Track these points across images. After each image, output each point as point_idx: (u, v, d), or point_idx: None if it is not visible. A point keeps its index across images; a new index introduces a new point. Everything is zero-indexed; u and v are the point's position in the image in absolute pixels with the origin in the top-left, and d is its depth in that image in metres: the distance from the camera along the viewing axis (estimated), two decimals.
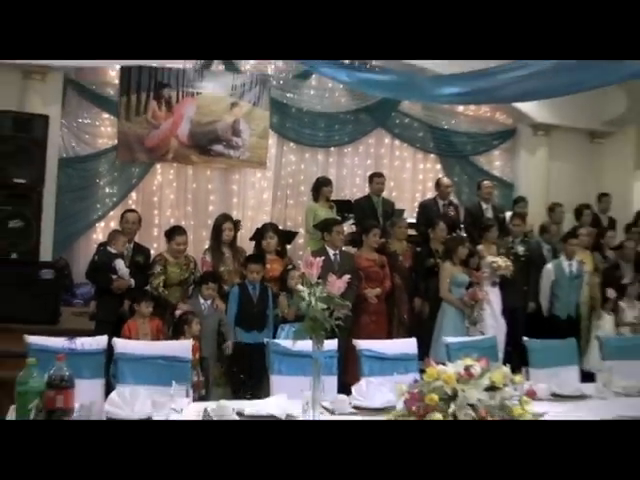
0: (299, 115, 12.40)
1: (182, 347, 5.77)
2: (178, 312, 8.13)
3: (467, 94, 10.32)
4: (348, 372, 7.12)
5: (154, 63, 11.04)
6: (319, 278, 4.70)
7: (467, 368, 4.35)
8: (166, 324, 8.11)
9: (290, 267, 8.60)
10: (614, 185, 13.62)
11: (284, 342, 5.91)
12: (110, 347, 5.55)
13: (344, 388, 5.62)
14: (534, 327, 10.08)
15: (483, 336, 8.23)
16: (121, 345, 5.56)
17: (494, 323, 9.61)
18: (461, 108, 13.43)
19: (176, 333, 7.73)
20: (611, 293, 10.08)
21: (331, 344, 5.73)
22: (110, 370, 5.56)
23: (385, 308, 9.51)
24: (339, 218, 10.21)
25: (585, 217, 11.60)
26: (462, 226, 11.24)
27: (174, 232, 8.75)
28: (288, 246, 10.64)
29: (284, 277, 8.59)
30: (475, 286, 9.40)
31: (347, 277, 4.69)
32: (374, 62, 12.28)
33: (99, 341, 5.56)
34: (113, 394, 4.75)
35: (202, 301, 8.23)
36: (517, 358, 7.66)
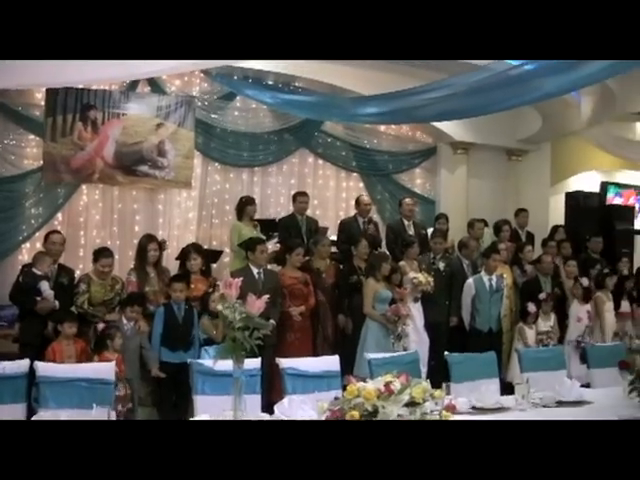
0: (224, 135, 12.30)
1: (104, 369, 5.67)
2: (100, 326, 8.01)
3: (386, 114, 10.42)
4: (273, 390, 7.07)
5: (80, 85, 10.86)
6: (241, 297, 4.66)
7: (387, 384, 4.34)
8: (90, 341, 7.99)
9: (211, 290, 8.50)
10: (531, 201, 13.84)
11: (207, 362, 5.84)
12: (32, 370, 5.42)
13: (269, 406, 5.55)
14: (457, 341, 10.13)
15: (405, 351, 8.24)
16: (43, 368, 5.43)
17: (416, 338, 9.66)
18: (383, 128, 13.48)
19: (99, 347, 7.62)
20: (532, 308, 10.15)
21: (254, 363, 5.68)
22: (32, 394, 5.42)
23: (309, 325, 9.50)
24: (263, 237, 10.19)
25: (504, 232, 11.70)
26: (383, 243, 11.29)
27: (100, 254, 8.68)
28: (214, 265, 10.55)
29: (205, 299, 8.50)
30: (398, 302, 9.41)
31: (266, 297, 4.65)
32: (297, 83, 12.33)
33: (20, 365, 5.44)
34: (33, 419, 4.63)
35: (125, 322, 8.12)
36: (440, 372, 7.64)
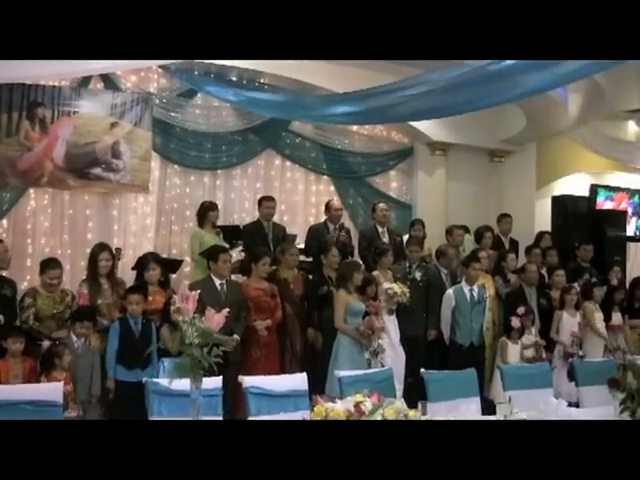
0: (184, 136, 12.22)
1: (52, 390, 5.61)
2: (46, 343, 7.93)
3: (359, 113, 10.40)
4: (237, 411, 7.06)
5: (27, 80, 10.76)
6: (203, 311, 4.64)
7: (357, 404, 4.33)
8: (37, 360, 7.93)
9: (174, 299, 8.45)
10: (515, 205, 13.87)
11: (163, 381, 5.80)
12: None
13: None
14: (435, 356, 10.15)
15: (379, 368, 8.22)
16: None
17: (392, 353, 9.63)
18: (355, 127, 13.46)
19: (46, 367, 7.56)
20: (515, 322, 10.13)
21: (214, 382, 5.65)
22: None
23: (276, 340, 9.46)
24: (226, 245, 10.16)
25: (486, 239, 11.71)
26: (356, 251, 11.28)
27: (47, 265, 8.66)
28: (173, 275, 10.50)
29: (167, 308, 8.44)
30: (372, 314, 9.36)
31: (226, 311, 4.63)
32: (262, 80, 12.28)
33: None
34: None
35: (75, 339, 8.07)
36: (417, 390, 7.64)
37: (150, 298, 8.74)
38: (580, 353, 10.31)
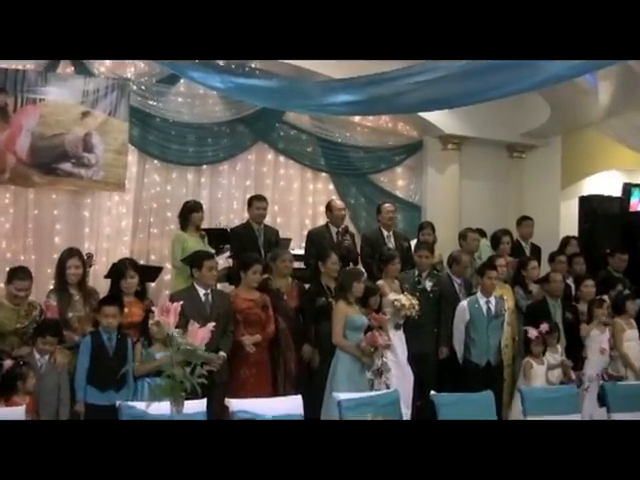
0: (164, 127, 12.26)
1: (12, 416, 5.59)
2: (8, 363, 7.86)
3: (362, 103, 10.37)
4: None
5: None
6: (185, 325, 4.63)
7: None
8: None
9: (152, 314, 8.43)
10: (537, 206, 13.87)
11: (140, 404, 5.79)
12: None
13: None
14: (447, 377, 10.11)
15: (383, 390, 8.21)
16: None
17: (398, 373, 9.59)
18: (357, 118, 13.49)
19: (6, 391, 7.48)
20: (532, 333, 9.97)
21: (198, 405, 5.65)
22: None
23: (268, 358, 9.42)
24: (212, 250, 10.14)
25: (504, 245, 11.65)
26: (359, 258, 11.27)
27: (15, 274, 8.53)
28: (152, 284, 10.49)
29: (147, 322, 8.41)
30: (375, 329, 9.31)
31: (212, 325, 4.62)
32: (254, 64, 12.25)
33: None
34: None
35: (38, 357, 8.00)
36: (427, 415, 7.64)
37: (126, 310, 8.68)
38: (627, 375, 10.20)
